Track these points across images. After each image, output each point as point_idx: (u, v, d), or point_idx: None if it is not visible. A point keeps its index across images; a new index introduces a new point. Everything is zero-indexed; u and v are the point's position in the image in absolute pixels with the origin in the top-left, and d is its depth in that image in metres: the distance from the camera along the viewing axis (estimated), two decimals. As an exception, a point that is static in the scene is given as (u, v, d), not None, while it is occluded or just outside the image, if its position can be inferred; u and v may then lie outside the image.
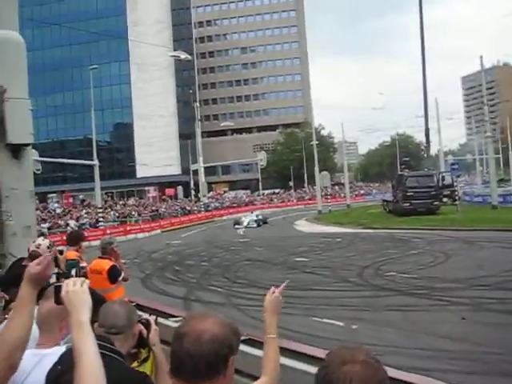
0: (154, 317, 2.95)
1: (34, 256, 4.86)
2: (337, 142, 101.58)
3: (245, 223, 41.28)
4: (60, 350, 2.73)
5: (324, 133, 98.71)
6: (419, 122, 73.26)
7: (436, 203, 37.31)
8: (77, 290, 1.81)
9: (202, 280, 16.65)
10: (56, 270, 5.17)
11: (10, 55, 5.47)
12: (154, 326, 2.78)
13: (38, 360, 2.89)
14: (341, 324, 10.00)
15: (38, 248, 4.91)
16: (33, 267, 2.38)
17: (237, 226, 40.85)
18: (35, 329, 3.27)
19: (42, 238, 5.19)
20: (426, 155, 65.63)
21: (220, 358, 1.70)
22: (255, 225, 40.98)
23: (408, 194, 37.12)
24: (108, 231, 34.17)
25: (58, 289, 1.95)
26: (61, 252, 4.93)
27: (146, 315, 2.92)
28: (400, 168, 51.86)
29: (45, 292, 3.87)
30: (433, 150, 71.91)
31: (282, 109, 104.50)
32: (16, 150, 5.59)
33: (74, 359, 1.68)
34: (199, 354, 1.66)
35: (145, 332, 2.72)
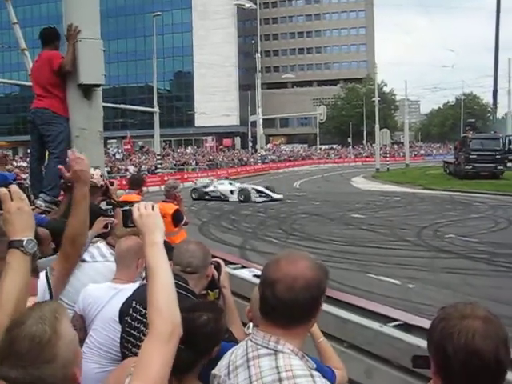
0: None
1: (90, 187, 4.91)
2: (399, 100, 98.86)
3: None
4: (134, 286, 2.81)
5: (386, 90, 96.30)
6: (489, 81, 70.20)
7: (500, 167, 36.00)
8: (150, 213, 1.81)
9: (257, 230, 16.81)
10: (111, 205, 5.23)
11: (82, -5, 5.49)
12: (224, 269, 2.80)
13: (115, 293, 2.99)
14: (397, 282, 9.92)
15: (91, 178, 4.94)
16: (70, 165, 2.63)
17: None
18: (113, 264, 3.38)
19: (92, 168, 5.22)
20: (492, 117, 63.09)
21: (314, 302, 1.67)
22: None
23: (471, 156, 35.89)
24: (166, 178, 34.70)
25: (126, 212, 1.96)
26: (112, 183, 4.97)
27: (216, 258, 2.93)
28: (464, 129, 50.05)
29: (112, 228, 3.99)
30: (500, 113, 69.12)
31: (344, 63, 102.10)
32: (87, 91, 5.62)
33: (148, 277, 1.69)
34: (294, 301, 1.61)
35: (216, 274, 2.75)
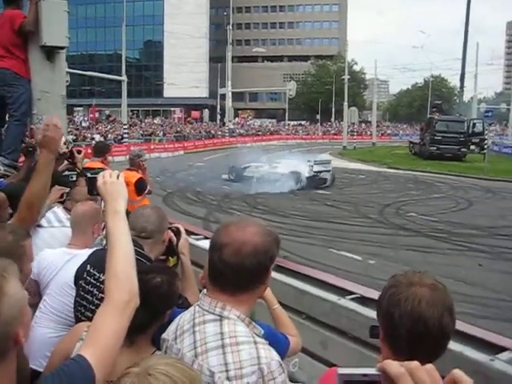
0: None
1: None
2: (368, 79, 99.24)
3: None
4: (90, 251, 2.77)
5: (356, 68, 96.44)
6: (457, 64, 70.90)
7: (464, 150, 36.65)
8: (114, 181, 1.80)
9: (222, 203, 16.82)
10: (76, 172, 5.15)
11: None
12: (183, 235, 2.76)
13: (69, 258, 2.95)
14: (358, 258, 10.10)
15: None
16: (39, 133, 2.55)
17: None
18: (70, 229, 3.33)
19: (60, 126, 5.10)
20: (458, 100, 63.92)
21: (261, 268, 1.65)
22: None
23: (436, 137, 36.43)
24: (132, 148, 34.29)
25: (92, 180, 1.95)
26: (79, 152, 4.88)
27: (175, 224, 2.90)
28: (430, 111, 50.61)
29: (72, 192, 3.92)
30: (466, 97, 70.10)
31: (315, 39, 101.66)
32: (50, 53, 5.47)
33: (108, 244, 1.67)
34: (240, 266, 1.60)
35: (174, 239, 2.72)
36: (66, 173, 4.87)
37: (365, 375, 1.01)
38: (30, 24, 5.31)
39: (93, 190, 1.92)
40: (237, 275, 1.62)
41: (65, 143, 4.89)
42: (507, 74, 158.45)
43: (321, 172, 21.18)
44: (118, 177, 1.82)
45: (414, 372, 0.93)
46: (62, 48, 5.59)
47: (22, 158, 5.41)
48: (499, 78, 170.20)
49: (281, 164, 22.17)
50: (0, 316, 1.25)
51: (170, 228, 2.72)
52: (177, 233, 2.74)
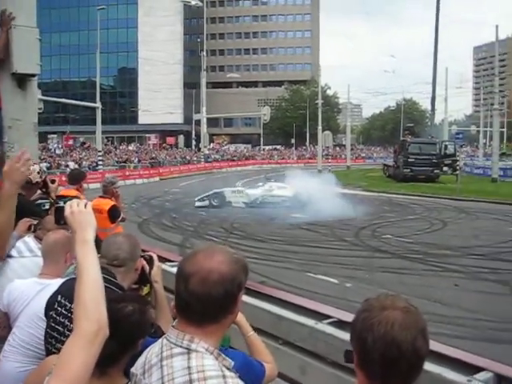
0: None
1: (25, 182, 4.78)
2: (341, 103, 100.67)
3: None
4: (62, 281, 2.72)
5: (330, 93, 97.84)
6: (427, 88, 72.49)
7: (436, 171, 37.26)
8: (82, 210, 1.78)
9: (198, 228, 16.75)
10: (49, 200, 5.10)
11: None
12: (156, 263, 2.73)
13: (41, 289, 2.89)
14: (335, 281, 10.09)
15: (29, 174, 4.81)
16: (8, 164, 2.50)
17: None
18: (41, 259, 3.26)
19: (31, 162, 5.06)
20: (430, 123, 65.11)
21: (229, 297, 1.62)
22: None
23: (409, 160, 37.01)
24: (107, 175, 34.07)
25: (60, 209, 1.94)
26: (53, 181, 4.83)
27: (149, 252, 2.87)
28: (403, 134, 51.42)
29: (43, 222, 3.86)
30: (437, 119, 71.40)
31: (289, 65, 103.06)
32: (21, 80, 5.44)
33: (77, 273, 1.65)
34: (207, 295, 1.56)
35: (147, 268, 2.68)
36: (39, 201, 4.81)
37: None
38: (0, 52, 5.29)
39: (60, 220, 1.90)
40: (204, 305, 1.57)
41: (38, 172, 4.86)
42: (476, 96, 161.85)
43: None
44: (85, 206, 1.80)
45: None
46: (34, 75, 5.57)
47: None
48: (468, 100, 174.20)
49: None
50: None
51: (142, 256, 2.69)
52: (150, 261, 2.70)
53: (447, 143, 40.35)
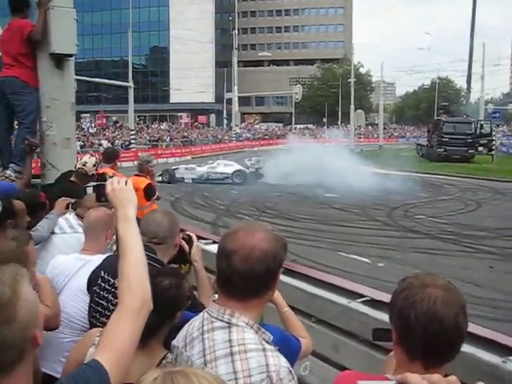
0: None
1: (81, 173, 4.94)
2: (375, 82, 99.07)
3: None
4: (103, 257, 2.79)
5: (362, 71, 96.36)
6: (463, 66, 70.66)
7: (471, 151, 36.56)
8: (123, 188, 1.80)
9: (230, 207, 16.85)
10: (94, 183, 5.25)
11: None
12: (195, 242, 2.77)
13: (82, 264, 2.97)
14: (367, 261, 10.09)
15: (84, 166, 4.96)
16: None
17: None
18: (82, 235, 3.36)
19: (88, 155, 5.21)
20: (465, 102, 63.79)
21: (270, 274, 1.65)
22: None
23: (444, 139, 36.39)
24: (139, 153, 34.41)
25: (100, 187, 1.94)
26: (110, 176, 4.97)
27: (187, 231, 2.91)
28: (437, 113, 50.49)
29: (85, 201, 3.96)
30: (473, 98, 69.91)
31: (321, 43, 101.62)
32: (59, 60, 5.51)
33: (120, 251, 1.68)
34: (249, 272, 1.60)
35: (186, 247, 2.73)
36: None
37: None
38: (38, 33, 5.37)
39: (101, 197, 1.93)
40: (245, 281, 1.61)
41: (94, 165, 4.99)
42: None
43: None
44: (126, 183, 1.83)
45: None
46: (71, 55, 5.64)
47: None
48: (506, 78, 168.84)
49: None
50: (17, 319, 1.27)
51: (181, 237, 2.73)
52: (189, 241, 2.75)
53: (483, 122, 39.47)
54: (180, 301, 2.10)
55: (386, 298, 4.07)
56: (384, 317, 3.51)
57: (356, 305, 3.99)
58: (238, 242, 1.64)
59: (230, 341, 1.60)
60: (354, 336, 3.87)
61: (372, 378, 1.47)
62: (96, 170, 5.02)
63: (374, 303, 3.96)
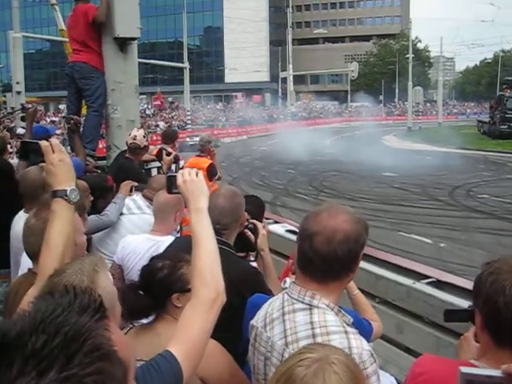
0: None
1: (133, 148, 5.04)
2: (433, 57, 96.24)
3: None
4: (172, 238, 2.85)
5: (420, 46, 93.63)
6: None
7: (537, 128, 35.13)
8: (194, 179, 1.80)
9: (288, 187, 16.87)
10: (158, 164, 5.36)
11: None
12: (261, 231, 2.69)
13: (152, 245, 3.05)
14: (429, 241, 9.92)
15: (134, 140, 5.03)
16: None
17: None
18: (149, 216, 3.44)
19: (135, 129, 5.27)
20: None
21: (352, 256, 1.64)
22: None
23: (507, 115, 35.11)
24: (203, 134, 34.72)
25: (171, 179, 1.95)
26: (168, 154, 5.05)
27: (253, 220, 2.84)
28: (501, 88, 48.60)
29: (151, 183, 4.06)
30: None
31: (377, 18, 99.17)
32: (123, 44, 5.62)
33: (193, 241, 1.69)
34: (332, 254, 1.59)
35: (252, 237, 2.68)
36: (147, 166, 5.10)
37: (490, 377, 1.01)
38: (102, 15, 5.48)
39: (172, 188, 1.95)
40: (328, 263, 1.61)
41: (144, 136, 5.09)
42: None
43: None
44: (197, 174, 1.83)
45: None
46: (135, 39, 5.74)
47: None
48: None
49: None
50: None
51: (246, 226, 2.68)
52: (254, 230, 2.69)
53: (550, 97, 37.80)
54: (172, 283, 2.02)
55: (451, 279, 4.02)
56: (450, 298, 3.47)
57: (421, 286, 3.95)
58: (320, 224, 1.63)
59: (311, 323, 1.61)
60: (418, 317, 3.84)
61: (459, 363, 1.45)
62: (147, 140, 5.09)
63: (440, 284, 3.91)
